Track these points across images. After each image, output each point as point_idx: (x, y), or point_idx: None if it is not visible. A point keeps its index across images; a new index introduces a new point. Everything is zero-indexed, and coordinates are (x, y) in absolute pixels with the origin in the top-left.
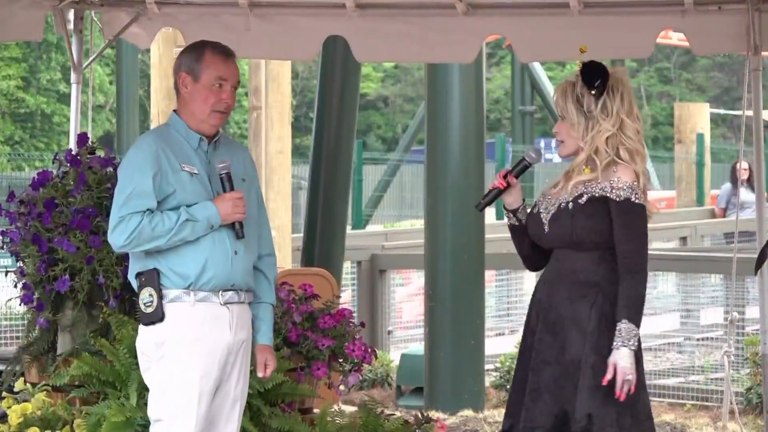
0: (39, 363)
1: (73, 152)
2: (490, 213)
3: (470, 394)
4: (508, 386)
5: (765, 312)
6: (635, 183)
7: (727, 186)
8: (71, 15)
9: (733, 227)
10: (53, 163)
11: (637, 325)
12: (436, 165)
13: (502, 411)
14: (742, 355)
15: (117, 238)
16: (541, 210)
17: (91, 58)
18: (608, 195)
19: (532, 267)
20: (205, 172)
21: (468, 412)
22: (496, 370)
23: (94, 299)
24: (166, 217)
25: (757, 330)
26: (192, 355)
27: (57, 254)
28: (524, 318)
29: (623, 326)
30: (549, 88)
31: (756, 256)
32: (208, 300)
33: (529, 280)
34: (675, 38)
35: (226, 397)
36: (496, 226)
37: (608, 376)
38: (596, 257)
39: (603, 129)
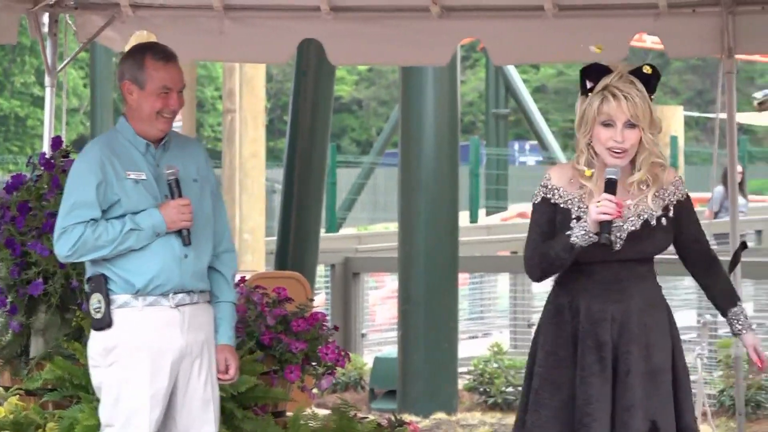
0: (11, 366)
1: (47, 156)
2: (463, 216)
3: (443, 397)
4: (481, 389)
5: None
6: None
7: (720, 189)
8: (45, 18)
9: (717, 228)
10: (27, 166)
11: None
12: (410, 168)
13: (475, 414)
14: (714, 357)
15: (61, 248)
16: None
17: (65, 62)
18: (678, 198)
19: (543, 280)
20: (154, 177)
21: (441, 415)
22: (469, 373)
23: (68, 303)
24: (111, 227)
25: (729, 332)
26: (142, 360)
27: (30, 258)
28: (497, 321)
29: (741, 308)
30: (523, 91)
31: (729, 258)
32: (157, 304)
33: (503, 282)
34: (649, 41)
35: (194, 400)
36: (469, 229)
37: (755, 357)
38: (651, 267)
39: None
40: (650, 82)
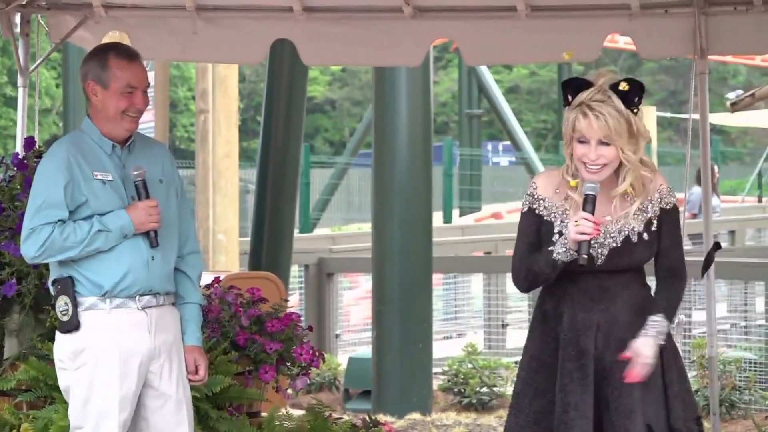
0: None
1: (20, 156)
2: (437, 216)
3: (418, 398)
4: (455, 389)
5: (711, 315)
6: (670, 185)
7: (698, 190)
8: (17, 18)
9: (691, 229)
10: (0, 167)
11: (671, 323)
12: (384, 168)
13: (450, 414)
14: (688, 357)
15: (28, 249)
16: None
17: (37, 62)
18: (662, 206)
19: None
20: (120, 178)
21: (416, 416)
22: (443, 373)
23: (41, 303)
24: (78, 228)
25: (703, 333)
26: (111, 362)
27: (3, 258)
28: (471, 321)
29: (660, 318)
30: (496, 91)
31: (702, 259)
32: (124, 306)
33: (477, 283)
34: (621, 41)
35: (167, 401)
36: (443, 230)
37: (629, 354)
38: (639, 275)
39: (643, 145)
40: (628, 98)
